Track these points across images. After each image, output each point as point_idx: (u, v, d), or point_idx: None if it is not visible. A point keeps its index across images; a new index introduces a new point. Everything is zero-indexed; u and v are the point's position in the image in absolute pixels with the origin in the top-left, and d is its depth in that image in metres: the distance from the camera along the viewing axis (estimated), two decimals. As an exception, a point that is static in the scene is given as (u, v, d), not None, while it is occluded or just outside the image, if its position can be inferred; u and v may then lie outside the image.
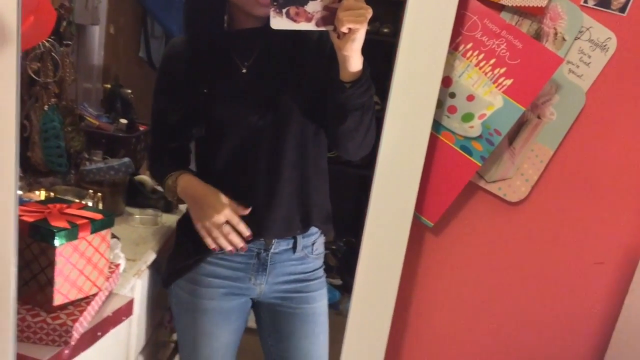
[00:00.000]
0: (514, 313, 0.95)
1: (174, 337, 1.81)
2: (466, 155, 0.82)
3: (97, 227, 1.09)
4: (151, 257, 1.48)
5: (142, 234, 1.56)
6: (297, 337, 1.43)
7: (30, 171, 1.55)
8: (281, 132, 1.26)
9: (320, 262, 1.47)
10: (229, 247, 1.27)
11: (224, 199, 1.27)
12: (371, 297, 0.82)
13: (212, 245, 1.27)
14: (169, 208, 1.71)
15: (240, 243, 1.27)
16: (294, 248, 1.37)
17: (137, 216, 1.63)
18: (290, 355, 1.46)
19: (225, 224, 1.25)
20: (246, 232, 1.27)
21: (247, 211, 1.26)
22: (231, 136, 1.27)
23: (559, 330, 0.96)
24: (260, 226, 1.30)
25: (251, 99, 1.24)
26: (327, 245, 1.53)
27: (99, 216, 1.10)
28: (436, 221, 0.84)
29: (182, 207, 1.79)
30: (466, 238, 0.89)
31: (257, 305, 1.46)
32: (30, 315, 1.03)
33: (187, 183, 1.32)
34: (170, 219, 1.68)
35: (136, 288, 1.41)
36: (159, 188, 1.77)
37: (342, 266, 2.93)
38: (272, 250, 1.34)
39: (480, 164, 0.83)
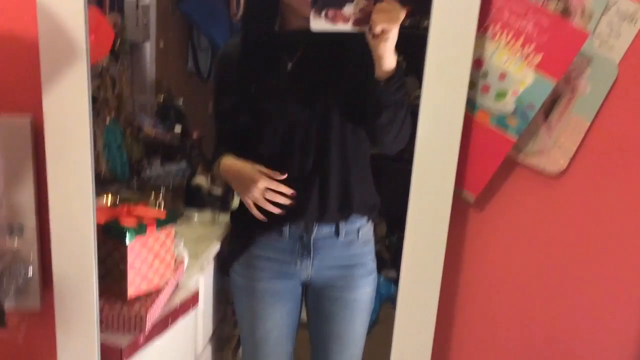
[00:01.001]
0: (558, 290, 0.97)
1: (237, 331, 1.90)
2: (502, 131, 0.86)
3: (162, 223, 1.18)
4: (212, 253, 1.57)
5: (201, 233, 1.66)
6: (334, 320, 1.51)
7: (97, 181, 1.67)
8: (321, 125, 1.36)
9: (368, 248, 1.53)
10: (276, 210, 1.37)
11: (259, 168, 1.37)
12: (418, 275, 0.87)
13: (260, 216, 1.39)
14: (225, 207, 1.80)
15: (287, 201, 1.37)
16: (337, 233, 1.44)
17: (195, 216, 1.72)
18: (325, 336, 1.55)
19: (267, 190, 1.36)
20: (289, 190, 1.36)
21: (283, 176, 1.35)
22: (274, 128, 1.38)
23: (606, 310, 0.97)
24: (299, 211, 1.40)
25: (294, 94, 1.34)
26: (379, 240, 1.58)
27: (162, 214, 1.20)
28: (477, 195, 0.88)
29: (237, 203, 1.88)
30: (508, 214, 0.92)
31: (306, 289, 1.55)
32: (107, 306, 1.12)
33: (225, 163, 1.44)
34: (226, 218, 1.76)
35: (200, 283, 1.50)
36: (215, 191, 1.87)
37: (396, 259, 2.98)
38: (313, 234, 1.43)
39: (515, 139, 0.87)
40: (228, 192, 1.82)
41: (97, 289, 0.84)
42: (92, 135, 0.77)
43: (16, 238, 0.81)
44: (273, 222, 1.43)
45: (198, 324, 1.54)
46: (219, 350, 1.77)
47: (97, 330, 0.87)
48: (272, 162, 1.41)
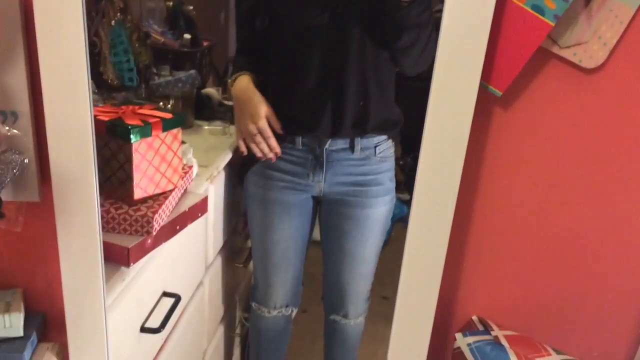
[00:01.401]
0: (585, 195, 0.91)
1: (249, 243, 1.89)
2: (538, 14, 0.77)
3: (168, 125, 1.13)
4: (222, 162, 1.53)
5: (212, 143, 1.61)
6: (346, 237, 1.49)
7: (104, 87, 1.61)
8: (340, 35, 1.29)
9: (386, 166, 1.47)
10: (258, 154, 1.39)
11: (263, 111, 1.36)
12: (435, 175, 0.81)
13: (242, 148, 1.42)
14: (236, 119, 1.74)
15: (269, 154, 1.38)
16: (352, 148, 1.39)
17: (206, 127, 1.67)
18: (336, 254, 1.54)
19: (258, 134, 1.36)
20: (276, 148, 1.38)
21: (278, 129, 1.37)
22: (291, 34, 1.33)
23: (635, 216, 0.91)
24: (312, 124, 1.37)
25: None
26: (395, 161, 1.54)
27: (169, 115, 1.14)
28: (505, 90, 0.81)
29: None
30: (538, 110, 0.85)
31: (319, 204, 1.52)
32: (114, 208, 1.09)
33: (238, 84, 1.41)
34: (238, 130, 1.71)
35: (210, 193, 1.47)
36: (226, 101, 1.81)
37: (410, 181, 2.94)
38: (326, 147, 1.38)
39: (553, 24, 0.78)
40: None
41: (97, 178, 0.80)
42: (84, 10, 0.70)
43: (10, 126, 0.76)
44: (287, 133, 1.39)
45: (208, 234, 1.53)
46: (230, 262, 1.76)
47: (97, 218, 0.84)
48: (288, 72, 1.39)
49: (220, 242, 1.64)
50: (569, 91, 0.84)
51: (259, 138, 1.37)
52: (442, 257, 0.85)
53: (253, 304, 1.65)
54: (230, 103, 1.77)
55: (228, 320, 1.82)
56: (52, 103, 0.74)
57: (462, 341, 0.92)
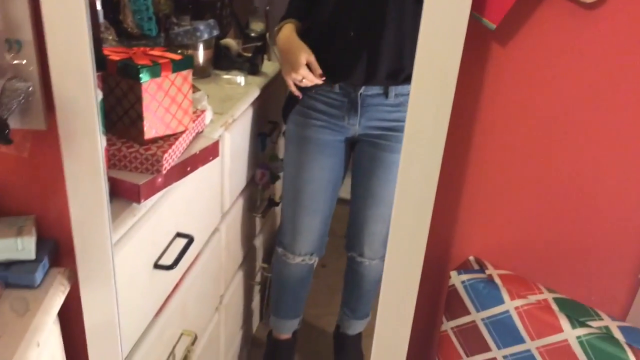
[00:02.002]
0: (582, 137, 0.89)
1: (266, 194, 1.93)
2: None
3: (178, 66, 1.15)
4: (237, 111, 1.55)
5: (229, 93, 1.63)
6: (372, 178, 1.54)
7: (124, 35, 1.64)
8: None
9: None
10: (298, 94, 1.49)
11: (303, 58, 1.43)
12: (425, 106, 0.80)
13: (296, 93, 1.50)
14: (254, 70, 1.76)
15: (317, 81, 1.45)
16: (386, 94, 1.43)
17: (224, 77, 1.69)
18: (361, 194, 1.59)
19: (304, 80, 1.44)
20: (318, 69, 1.43)
21: (317, 74, 1.44)
22: None
23: (633, 159, 0.89)
24: (349, 69, 1.44)
25: None
26: None
27: (178, 57, 1.16)
28: (499, 22, 0.79)
29: (267, 71, 1.84)
30: (535, 46, 0.83)
31: (353, 148, 1.59)
32: (126, 147, 1.13)
33: (282, 34, 1.51)
34: (256, 81, 1.73)
35: (225, 140, 1.50)
36: (245, 53, 1.82)
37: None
38: (361, 92, 1.46)
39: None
40: (257, 55, 1.77)
41: (99, 108, 0.83)
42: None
43: (15, 55, 0.80)
44: (325, 77, 1.47)
45: (224, 181, 1.56)
46: (247, 211, 1.80)
47: (100, 147, 0.87)
48: (330, 19, 1.45)
49: (237, 191, 1.68)
50: (567, 27, 0.82)
51: (304, 83, 1.46)
52: (432, 193, 0.85)
53: (279, 250, 1.70)
54: (247, 54, 1.79)
55: (247, 268, 1.87)
56: (53, 32, 0.76)
57: (457, 279, 0.93)
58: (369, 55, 1.42)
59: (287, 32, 1.50)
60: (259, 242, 1.97)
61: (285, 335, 1.84)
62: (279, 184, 1.92)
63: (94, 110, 0.82)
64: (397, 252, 0.89)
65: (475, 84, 0.87)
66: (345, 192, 1.84)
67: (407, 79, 1.43)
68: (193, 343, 1.44)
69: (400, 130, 1.49)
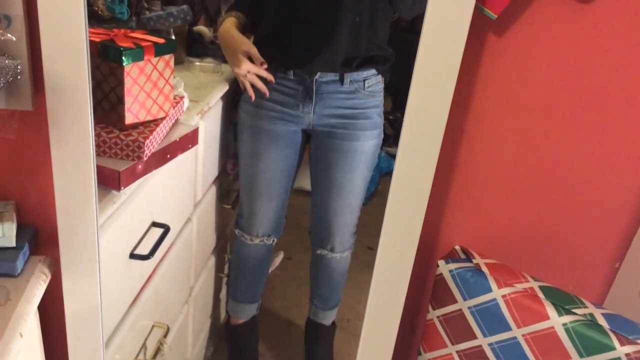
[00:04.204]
0: (576, 127, 0.92)
1: (237, 185, 1.91)
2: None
3: (160, 50, 1.12)
4: (213, 99, 1.52)
5: (203, 80, 1.60)
6: (334, 169, 1.54)
7: (94, 18, 1.58)
8: None
9: (374, 101, 1.51)
10: (250, 92, 1.46)
11: (242, 53, 1.42)
12: (427, 93, 0.81)
13: (250, 93, 1.48)
14: (228, 58, 1.73)
15: (263, 87, 1.45)
16: (341, 81, 1.43)
17: (197, 64, 1.66)
18: (324, 185, 1.59)
19: (249, 73, 1.43)
20: (269, 77, 1.44)
21: (263, 71, 1.43)
22: None
23: (624, 152, 0.93)
24: (304, 59, 1.43)
25: None
26: (384, 115, 1.57)
27: (162, 40, 1.13)
28: (500, 13, 0.81)
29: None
30: (533, 37, 0.85)
31: (309, 138, 1.55)
32: (105, 132, 1.09)
33: (223, 29, 1.48)
34: (229, 69, 1.70)
35: (200, 128, 1.47)
36: (217, 40, 1.79)
37: (398, 136, 2.96)
38: (316, 78, 1.44)
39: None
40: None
41: (90, 86, 0.79)
42: None
43: (4, 30, 0.75)
44: (279, 64, 1.43)
45: (198, 170, 1.53)
46: (218, 202, 1.78)
47: (91, 129, 0.83)
48: (283, 6, 1.42)
49: (209, 180, 1.65)
50: (566, 18, 0.84)
51: (249, 76, 1.44)
52: (429, 182, 0.87)
53: (237, 231, 1.69)
54: (221, 42, 1.76)
55: (216, 258, 1.85)
56: (46, 6, 0.73)
57: (444, 268, 0.95)
58: (324, 41, 1.40)
59: (228, 25, 1.48)
60: (228, 232, 1.95)
61: (243, 320, 1.82)
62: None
63: (86, 91, 0.79)
64: (391, 241, 0.90)
65: (470, 73, 0.88)
66: (307, 184, 1.84)
67: (361, 65, 1.44)
68: (165, 335, 1.41)
69: (356, 117, 1.51)
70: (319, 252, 1.71)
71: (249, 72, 1.42)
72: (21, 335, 0.80)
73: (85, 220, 0.88)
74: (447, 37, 0.77)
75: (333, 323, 1.86)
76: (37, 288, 0.87)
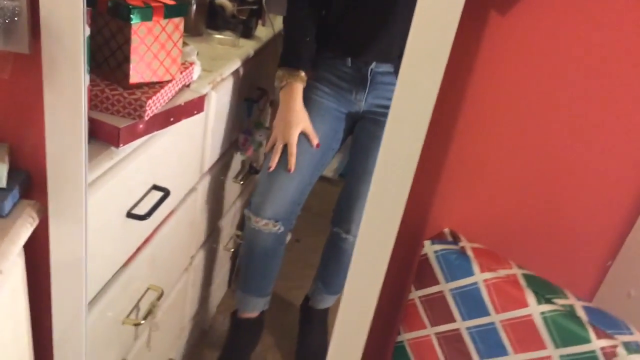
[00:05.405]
0: (572, 119, 0.89)
1: (247, 161, 1.92)
2: None
3: (170, 12, 1.13)
4: (227, 71, 1.53)
5: (219, 52, 1.61)
6: (371, 155, 1.54)
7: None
8: None
9: None
10: (273, 165, 1.52)
11: (300, 127, 1.49)
12: (419, 67, 0.80)
13: (267, 149, 1.56)
14: (247, 34, 1.74)
15: (274, 163, 1.52)
16: (396, 73, 1.44)
17: (216, 36, 1.67)
18: (358, 169, 1.63)
19: (282, 144, 1.50)
20: (293, 166, 1.50)
21: (314, 145, 1.51)
22: None
23: (622, 149, 0.90)
24: (361, 45, 1.48)
25: None
26: None
27: (172, 2, 1.14)
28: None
29: (260, 35, 1.82)
30: (535, 21, 0.83)
31: (352, 128, 1.63)
32: (109, 89, 1.11)
33: (290, 92, 1.51)
34: (248, 44, 1.71)
35: (212, 99, 1.48)
36: (239, 15, 1.80)
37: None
38: (372, 68, 1.50)
39: None
40: (252, 18, 1.75)
41: (85, 32, 0.81)
42: None
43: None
44: (339, 50, 1.51)
45: (206, 140, 1.55)
46: (226, 176, 1.79)
47: (83, 76, 0.85)
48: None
49: (218, 152, 1.66)
50: (573, 4, 0.82)
51: (279, 148, 1.50)
52: (414, 163, 0.85)
53: (246, 211, 1.65)
54: (242, 17, 1.77)
55: (221, 233, 1.87)
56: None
57: (429, 248, 0.93)
58: (382, 32, 1.45)
59: (295, 92, 1.51)
60: (235, 208, 1.96)
61: (249, 314, 1.77)
62: (261, 153, 1.91)
63: (80, 40, 0.80)
64: (374, 218, 0.89)
65: (469, 53, 0.87)
66: (327, 170, 1.83)
67: None
68: (159, 298, 1.43)
69: None
70: (335, 229, 1.71)
71: (286, 145, 1.50)
72: (1, 272, 0.82)
73: (75, 169, 0.90)
74: (440, 13, 0.75)
75: (327, 308, 1.86)
76: (23, 230, 0.89)
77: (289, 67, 1.53)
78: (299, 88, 1.52)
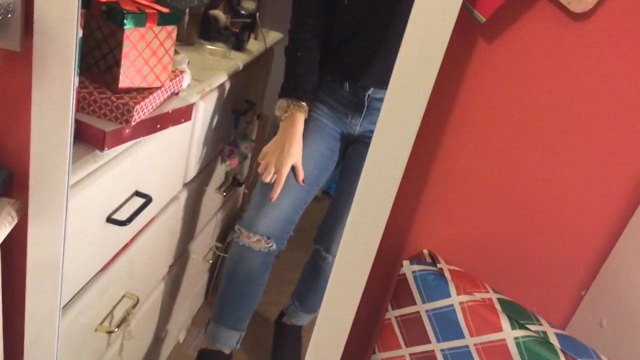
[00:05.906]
0: (559, 143, 0.91)
1: (231, 173, 1.92)
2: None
3: (164, 19, 1.14)
4: (216, 81, 1.54)
5: (210, 63, 1.62)
6: (359, 176, 1.50)
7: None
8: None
9: None
10: (264, 178, 1.49)
11: (292, 160, 1.47)
12: (406, 86, 0.81)
13: (267, 181, 1.50)
14: (239, 46, 1.75)
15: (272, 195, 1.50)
16: None
17: (207, 47, 1.68)
18: (346, 189, 1.62)
19: (273, 173, 1.48)
20: (275, 197, 1.49)
21: (300, 181, 1.51)
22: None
23: (607, 170, 0.92)
24: (359, 70, 1.49)
25: None
26: None
27: (166, 10, 1.15)
28: (489, 16, 0.81)
29: (252, 49, 1.83)
30: (520, 48, 0.85)
31: (348, 144, 1.62)
32: (97, 92, 1.11)
33: (293, 123, 1.49)
34: (239, 56, 1.72)
35: (199, 108, 1.48)
36: (232, 27, 1.81)
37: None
38: (369, 93, 1.50)
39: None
40: (244, 31, 1.77)
41: (78, 34, 0.81)
42: None
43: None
44: (337, 74, 1.52)
45: (192, 149, 1.55)
46: (211, 186, 1.79)
47: (73, 77, 0.84)
48: (343, 25, 1.47)
49: (202, 162, 1.66)
50: (554, 34, 0.84)
51: (270, 174, 1.48)
52: (397, 180, 0.86)
53: (237, 227, 1.59)
54: (235, 30, 1.78)
55: (201, 244, 1.85)
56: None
57: (408, 268, 0.94)
58: (380, 59, 1.45)
59: (297, 123, 1.49)
60: (216, 220, 1.96)
61: (220, 347, 1.67)
62: (245, 166, 1.91)
63: (72, 41, 0.80)
64: (354, 236, 0.90)
65: (455, 77, 0.88)
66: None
67: None
68: (134, 307, 1.41)
69: None
70: (317, 247, 1.71)
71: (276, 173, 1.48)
72: (-25, 269, 0.81)
73: (58, 170, 0.89)
74: (430, 34, 0.77)
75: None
76: (1, 229, 0.88)
77: (292, 97, 1.51)
78: (300, 119, 1.51)
